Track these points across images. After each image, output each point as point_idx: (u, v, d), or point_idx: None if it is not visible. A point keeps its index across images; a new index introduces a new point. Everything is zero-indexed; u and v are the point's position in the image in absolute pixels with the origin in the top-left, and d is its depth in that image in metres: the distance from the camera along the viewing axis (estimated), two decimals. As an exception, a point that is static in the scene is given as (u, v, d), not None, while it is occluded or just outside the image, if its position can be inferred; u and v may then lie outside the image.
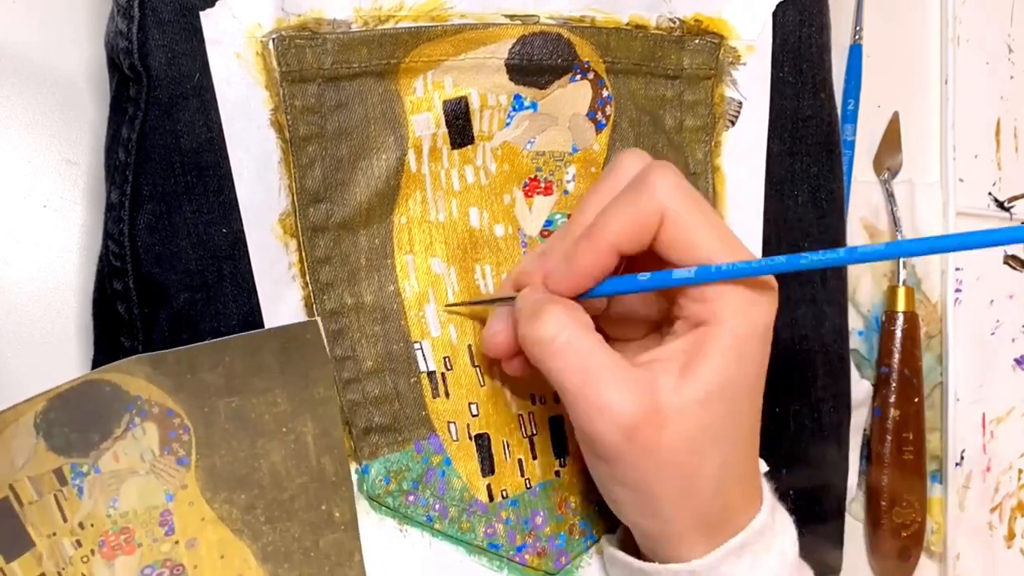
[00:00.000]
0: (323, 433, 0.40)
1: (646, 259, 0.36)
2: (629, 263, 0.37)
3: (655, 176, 0.35)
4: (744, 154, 0.45)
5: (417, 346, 0.42)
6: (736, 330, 0.34)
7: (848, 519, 0.49)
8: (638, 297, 0.39)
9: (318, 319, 0.40)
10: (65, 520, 0.38)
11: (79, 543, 0.38)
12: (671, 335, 0.36)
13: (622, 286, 0.36)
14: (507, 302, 0.39)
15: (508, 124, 0.42)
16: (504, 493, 0.42)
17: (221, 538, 0.39)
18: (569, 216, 0.43)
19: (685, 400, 0.34)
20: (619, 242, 0.35)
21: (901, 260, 0.52)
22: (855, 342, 0.52)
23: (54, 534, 0.37)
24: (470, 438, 0.42)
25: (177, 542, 0.39)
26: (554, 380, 0.35)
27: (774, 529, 0.37)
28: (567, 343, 0.34)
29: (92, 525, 0.38)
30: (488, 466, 0.42)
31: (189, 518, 0.39)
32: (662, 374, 0.34)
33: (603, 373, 0.34)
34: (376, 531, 0.41)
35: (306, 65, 0.39)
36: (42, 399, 0.37)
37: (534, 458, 0.43)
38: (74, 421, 0.37)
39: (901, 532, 0.51)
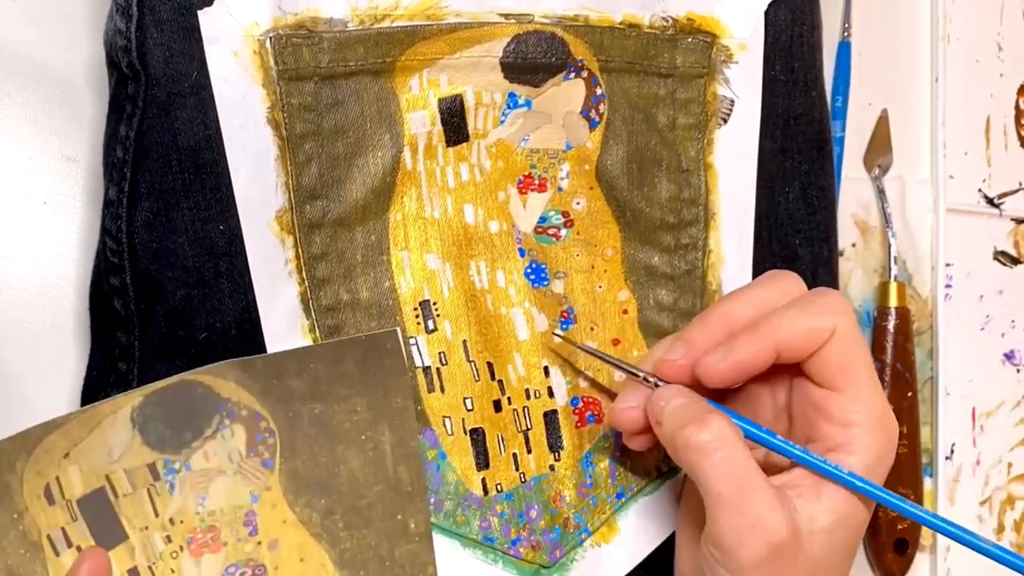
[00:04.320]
0: (400, 443, 0.40)
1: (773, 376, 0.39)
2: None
3: (834, 295, 0.37)
4: (736, 152, 0.45)
5: (412, 341, 0.42)
6: (864, 464, 0.37)
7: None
8: (767, 390, 0.40)
9: (398, 329, 0.40)
10: (157, 515, 0.38)
11: (169, 539, 0.38)
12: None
13: (759, 436, 0.38)
14: (640, 381, 0.39)
15: (503, 122, 0.43)
16: (499, 487, 0.43)
17: (301, 541, 0.40)
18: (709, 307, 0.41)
19: (816, 527, 0.36)
20: (784, 347, 0.37)
21: (892, 255, 0.52)
22: (846, 337, 0.52)
23: (146, 528, 0.38)
24: (465, 432, 0.42)
25: (260, 543, 0.39)
26: (706, 485, 0.36)
27: None
28: (727, 456, 0.35)
29: (182, 522, 0.38)
30: (483, 460, 0.42)
31: (272, 520, 0.39)
32: (796, 498, 0.36)
33: (758, 491, 0.35)
34: (372, 524, 0.41)
35: (303, 63, 0.40)
36: (139, 394, 0.38)
37: (528, 452, 0.43)
38: (168, 418, 0.38)
39: (897, 525, 0.51)
